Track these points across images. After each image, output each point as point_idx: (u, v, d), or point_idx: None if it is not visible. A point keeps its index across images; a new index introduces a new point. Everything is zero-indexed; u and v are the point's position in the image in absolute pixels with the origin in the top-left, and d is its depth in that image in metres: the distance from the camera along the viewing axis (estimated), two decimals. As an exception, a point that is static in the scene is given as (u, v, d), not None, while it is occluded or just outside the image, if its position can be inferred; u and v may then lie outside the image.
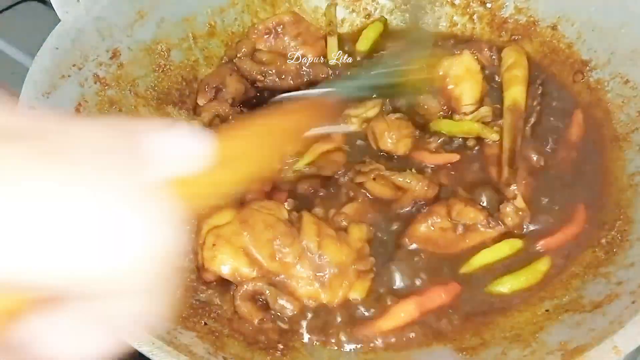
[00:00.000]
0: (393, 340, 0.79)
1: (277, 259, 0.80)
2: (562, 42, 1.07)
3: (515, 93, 0.99)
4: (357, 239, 0.84)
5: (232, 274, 0.80)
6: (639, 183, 0.89)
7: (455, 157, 0.96)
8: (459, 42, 1.12)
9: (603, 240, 0.86)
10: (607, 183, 0.93)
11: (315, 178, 0.95)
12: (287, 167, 0.93)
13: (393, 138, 0.96)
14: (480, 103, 1.00)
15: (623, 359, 0.66)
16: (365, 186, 0.93)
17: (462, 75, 0.99)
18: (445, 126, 0.99)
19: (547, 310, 0.79)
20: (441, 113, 1.00)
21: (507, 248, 0.87)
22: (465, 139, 0.98)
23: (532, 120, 0.98)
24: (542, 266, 0.85)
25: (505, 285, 0.84)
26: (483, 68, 1.02)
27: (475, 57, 1.01)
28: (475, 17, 1.15)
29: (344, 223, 0.87)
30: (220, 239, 0.81)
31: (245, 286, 0.79)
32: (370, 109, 1.00)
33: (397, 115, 0.99)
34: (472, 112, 0.98)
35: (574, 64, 1.05)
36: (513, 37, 1.12)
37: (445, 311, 0.81)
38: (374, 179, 0.92)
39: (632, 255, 0.80)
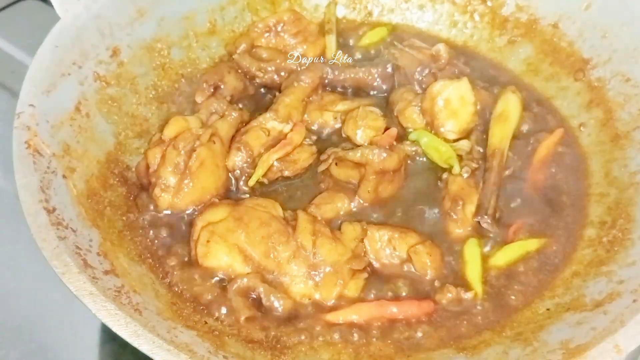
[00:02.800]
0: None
1: (271, 256, 0.80)
2: (564, 40, 1.07)
3: (500, 142, 0.95)
4: (352, 238, 0.83)
5: (226, 270, 0.80)
6: (640, 181, 0.89)
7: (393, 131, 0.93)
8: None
9: (604, 239, 0.86)
10: (584, 186, 0.95)
11: (284, 180, 0.94)
12: (242, 183, 0.91)
13: (358, 125, 0.95)
14: (465, 135, 0.97)
15: (624, 358, 0.66)
16: (331, 173, 0.92)
17: (453, 102, 0.96)
18: (425, 137, 0.96)
19: (548, 309, 0.79)
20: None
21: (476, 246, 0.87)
22: (429, 160, 0.96)
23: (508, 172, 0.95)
24: (531, 245, 0.87)
25: (500, 259, 0.86)
26: (476, 104, 0.98)
27: (474, 89, 0.97)
28: (475, 15, 1.14)
29: (319, 216, 0.86)
30: (215, 236, 0.80)
31: (239, 282, 0.79)
32: (348, 105, 1.00)
33: (372, 108, 0.98)
34: (452, 141, 0.96)
35: (575, 62, 1.05)
36: (513, 37, 1.12)
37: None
38: (335, 164, 0.91)
39: (633, 254, 0.80)
